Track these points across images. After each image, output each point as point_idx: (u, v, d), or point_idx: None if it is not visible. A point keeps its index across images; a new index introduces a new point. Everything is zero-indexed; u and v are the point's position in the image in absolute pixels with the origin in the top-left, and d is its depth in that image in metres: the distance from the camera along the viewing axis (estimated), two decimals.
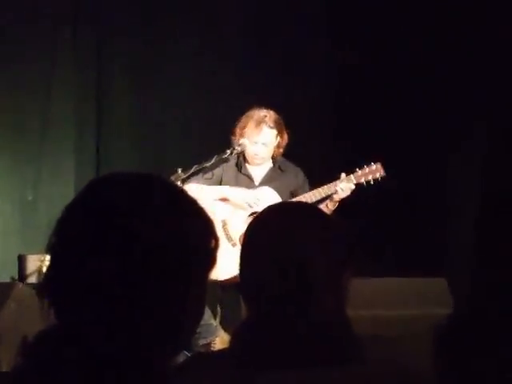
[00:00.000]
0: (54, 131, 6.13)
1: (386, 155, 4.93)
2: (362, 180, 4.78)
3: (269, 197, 4.78)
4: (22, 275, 4.95)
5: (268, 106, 4.87)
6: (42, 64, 6.10)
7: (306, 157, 5.18)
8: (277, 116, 4.84)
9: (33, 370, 1.16)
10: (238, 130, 4.83)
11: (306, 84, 6.18)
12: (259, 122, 4.78)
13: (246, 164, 4.94)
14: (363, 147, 5.46)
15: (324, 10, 6.20)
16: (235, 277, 4.49)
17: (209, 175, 4.84)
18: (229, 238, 4.76)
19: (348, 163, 4.90)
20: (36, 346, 1.18)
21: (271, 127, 4.80)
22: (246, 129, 4.79)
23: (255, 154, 4.83)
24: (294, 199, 4.74)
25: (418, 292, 4.07)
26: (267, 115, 4.80)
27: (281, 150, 4.90)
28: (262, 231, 1.72)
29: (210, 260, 1.26)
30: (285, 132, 4.87)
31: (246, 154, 4.88)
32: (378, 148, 5.22)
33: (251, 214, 4.76)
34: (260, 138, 4.79)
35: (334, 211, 4.71)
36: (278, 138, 4.85)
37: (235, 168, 4.92)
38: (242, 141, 4.81)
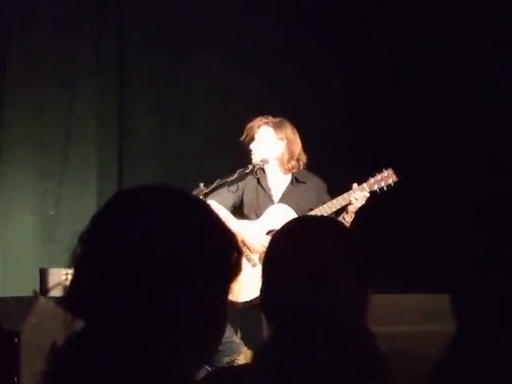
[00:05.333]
0: (77, 147, 6.16)
1: (403, 168, 4.90)
2: (376, 187, 4.74)
3: (284, 214, 4.73)
4: (44, 289, 4.97)
5: (291, 120, 4.89)
6: (65, 82, 6.15)
7: (323, 167, 5.12)
8: (282, 121, 4.85)
9: (62, 375, 1.17)
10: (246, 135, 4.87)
11: (325, 97, 6.21)
12: (258, 121, 4.84)
13: (267, 179, 4.92)
14: (380, 157, 5.42)
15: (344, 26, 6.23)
16: (256, 298, 4.47)
17: (233, 188, 4.83)
18: (248, 259, 4.72)
19: (363, 174, 4.86)
20: (65, 352, 1.19)
21: (269, 126, 4.81)
22: (248, 128, 4.83)
23: (251, 151, 4.84)
24: (309, 212, 4.69)
25: (419, 308, 4.02)
26: (269, 118, 4.84)
27: (293, 163, 4.83)
28: (283, 247, 1.72)
29: (232, 272, 1.26)
30: (296, 142, 4.84)
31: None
32: (394, 160, 5.15)
33: (269, 232, 4.73)
34: (257, 134, 4.82)
35: (352, 223, 4.68)
36: (283, 143, 4.81)
37: (256, 182, 4.91)
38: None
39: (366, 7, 6.09)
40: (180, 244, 1.20)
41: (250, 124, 4.85)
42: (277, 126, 4.82)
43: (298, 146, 4.85)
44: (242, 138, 4.84)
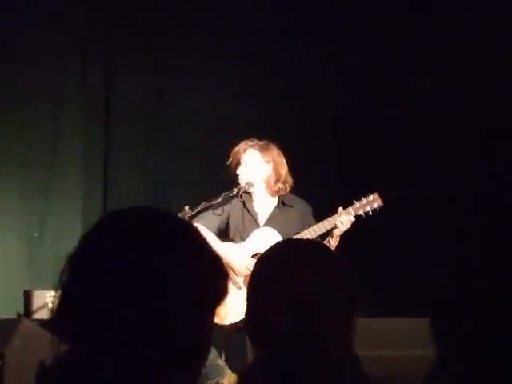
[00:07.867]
0: (62, 168, 6.15)
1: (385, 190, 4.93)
2: (361, 212, 4.76)
3: (270, 238, 4.73)
4: (28, 311, 4.94)
5: (277, 144, 4.91)
6: (50, 102, 6.15)
7: (309, 190, 5.13)
8: (268, 144, 4.86)
9: None
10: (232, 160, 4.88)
11: (309, 122, 6.25)
12: (244, 145, 4.85)
13: (252, 202, 4.93)
14: (365, 182, 5.45)
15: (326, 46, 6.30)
16: (241, 321, 4.46)
17: (218, 211, 4.83)
18: (233, 282, 4.71)
19: (349, 197, 4.88)
20: (54, 371, 1.19)
21: (255, 149, 4.83)
22: (234, 152, 4.83)
23: (238, 175, 4.85)
24: (294, 236, 4.69)
25: (402, 332, 4.01)
26: (254, 141, 4.86)
27: (280, 185, 4.85)
28: (268, 271, 1.73)
29: (218, 295, 1.27)
30: (282, 164, 4.85)
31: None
32: (377, 183, 5.18)
33: (254, 255, 4.73)
34: (243, 158, 4.83)
35: (337, 247, 4.69)
36: (269, 166, 4.83)
37: (242, 205, 4.91)
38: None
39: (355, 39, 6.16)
40: (168, 267, 1.21)
41: (236, 148, 4.86)
42: (263, 149, 4.84)
43: (284, 168, 4.87)
44: (228, 163, 4.86)
